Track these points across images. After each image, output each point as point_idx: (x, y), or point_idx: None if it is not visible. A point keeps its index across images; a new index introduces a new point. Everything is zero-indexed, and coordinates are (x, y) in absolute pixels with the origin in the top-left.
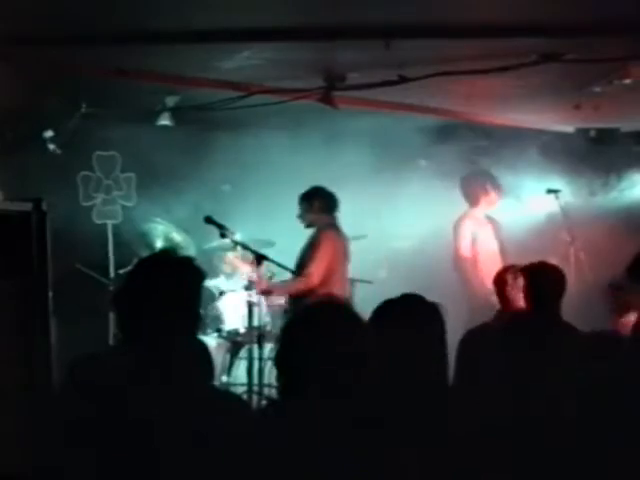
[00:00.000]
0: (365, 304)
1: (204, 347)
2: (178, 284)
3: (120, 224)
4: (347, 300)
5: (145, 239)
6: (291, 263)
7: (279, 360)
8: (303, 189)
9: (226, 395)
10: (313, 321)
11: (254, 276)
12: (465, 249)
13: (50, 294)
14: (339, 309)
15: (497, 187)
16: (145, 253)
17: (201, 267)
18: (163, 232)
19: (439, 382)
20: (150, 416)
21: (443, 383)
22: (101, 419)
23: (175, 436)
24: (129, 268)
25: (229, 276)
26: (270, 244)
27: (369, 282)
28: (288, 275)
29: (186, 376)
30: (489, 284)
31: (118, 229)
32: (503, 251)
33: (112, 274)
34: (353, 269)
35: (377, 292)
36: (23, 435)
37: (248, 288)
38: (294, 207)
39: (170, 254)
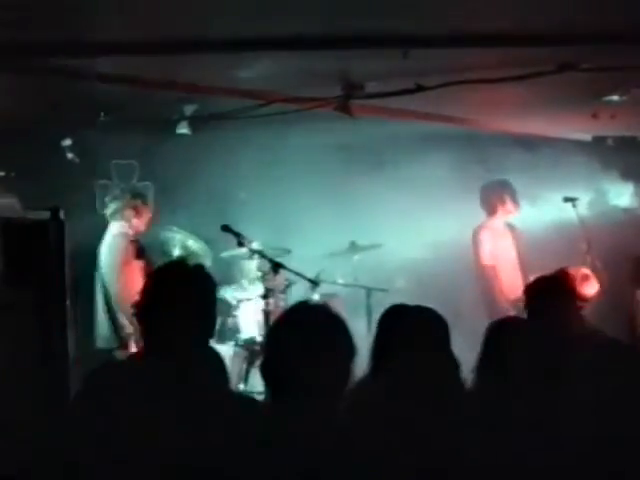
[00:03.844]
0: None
1: (216, 353)
2: (190, 291)
3: None
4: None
5: (162, 247)
6: (307, 271)
7: (263, 367)
8: (319, 198)
9: (240, 398)
10: (292, 325)
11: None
12: (486, 257)
13: (67, 303)
14: (318, 311)
15: (515, 197)
16: (162, 261)
17: (212, 274)
18: (180, 241)
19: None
20: (167, 422)
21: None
22: (117, 426)
23: (191, 440)
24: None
25: (246, 285)
26: (286, 252)
27: (384, 290)
28: (305, 283)
29: (201, 380)
30: (509, 293)
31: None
32: (522, 260)
33: None
34: (369, 277)
35: (394, 301)
36: (40, 443)
37: (265, 297)
38: (309, 215)
39: (182, 262)
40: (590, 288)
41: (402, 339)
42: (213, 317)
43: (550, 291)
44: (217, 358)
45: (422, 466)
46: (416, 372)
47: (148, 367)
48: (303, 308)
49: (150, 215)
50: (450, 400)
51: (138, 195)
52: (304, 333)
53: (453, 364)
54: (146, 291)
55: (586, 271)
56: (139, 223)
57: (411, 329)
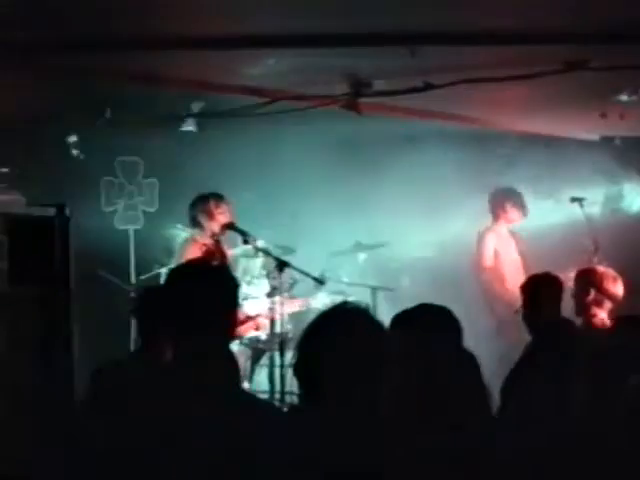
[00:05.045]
0: (388, 312)
1: (230, 354)
2: (214, 294)
3: (142, 230)
4: (367, 305)
5: (167, 245)
6: (312, 270)
7: (297, 364)
8: (325, 197)
9: (255, 399)
10: (331, 327)
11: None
12: (488, 260)
13: (73, 300)
14: (358, 314)
15: (519, 205)
16: (167, 259)
17: (235, 276)
18: (183, 237)
19: (457, 391)
20: (178, 423)
21: (461, 392)
22: (125, 427)
23: (204, 442)
24: (151, 274)
25: (251, 282)
26: (291, 251)
27: (390, 290)
28: (310, 282)
29: (214, 382)
30: (512, 295)
31: (140, 235)
32: (526, 265)
33: (133, 280)
34: (375, 277)
35: (400, 300)
36: (45, 444)
37: (270, 295)
38: (315, 214)
39: (205, 262)
40: (620, 288)
41: (417, 339)
42: (235, 319)
43: (541, 285)
44: (230, 356)
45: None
46: (435, 373)
47: (163, 369)
48: (343, 309)
49: (226, 213)
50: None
51: (212, 196)
52: (344, 335)
53: (472, 362)
54: (168, 291)
55: (612, 272)
56: (213, 225)
57: (424, 328)
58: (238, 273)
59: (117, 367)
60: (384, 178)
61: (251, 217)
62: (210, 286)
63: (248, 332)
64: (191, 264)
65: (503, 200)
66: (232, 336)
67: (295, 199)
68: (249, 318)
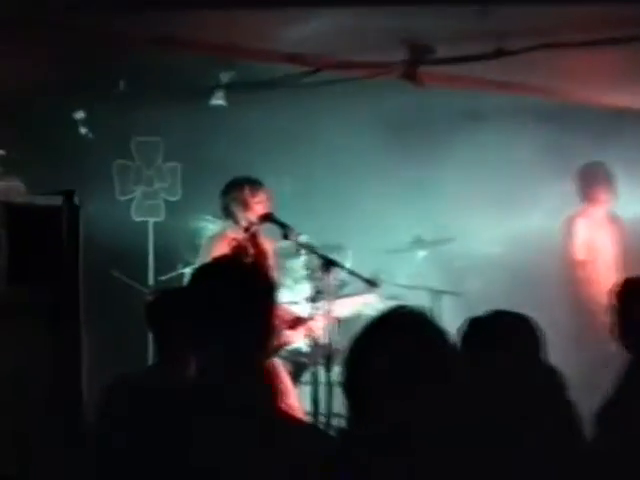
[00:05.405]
0: (453, 320)
1: (266, 368)
2: (247, 298)
3: (163, 222)
4: (428, 311)
5: (193, 240)
6: (362, 270)
7: (347, 380)
8: (378, 184)
9: (296, 423)
10: (386, 333)
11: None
12: (578, 252)
13: (82, 305)
14: (418, 321)
15: (610, 183)
16: (192, 257)
17: (272, 277)
18: (214, 230)
19: (540, 415)
20: (202, 453)
21: (545, 416)
22: (141, 454)
23: (232, 476)
24: (172, 274)
25: (291, 285)
26: (340, 248)
27: (456, 294)
28: (360, 285)
29: (246, 402)
30: (602, 297)
31: (160, 228)
32: (623, 260)
33: (152, 281)
34: (437, 278)
35: (468, 306)
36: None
37: (313, 300)
38: (366, 205)
39: (234, 260)
40: None
41: (490, 353)
42: (272, 326)
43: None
44: (269, 375)
45: None
46: (512, 393)
47: (185, 387)
48: (400, 315)
49: (264, 202)
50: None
51: (247, 182)
52: (401, 347)
53: (556, 380)
54: (190, 296)
55: None
56: (249, 216)
57: (500, 340)
58: (278, 274)
59: (132, 383)
60: (448, 162)
61: (290, 207)
62: (242, 288)
63: (297, 339)
64: (220, 262)
65: (594, 176)
66: (268, 347)
67: (342, 187)
68: (299, 321)
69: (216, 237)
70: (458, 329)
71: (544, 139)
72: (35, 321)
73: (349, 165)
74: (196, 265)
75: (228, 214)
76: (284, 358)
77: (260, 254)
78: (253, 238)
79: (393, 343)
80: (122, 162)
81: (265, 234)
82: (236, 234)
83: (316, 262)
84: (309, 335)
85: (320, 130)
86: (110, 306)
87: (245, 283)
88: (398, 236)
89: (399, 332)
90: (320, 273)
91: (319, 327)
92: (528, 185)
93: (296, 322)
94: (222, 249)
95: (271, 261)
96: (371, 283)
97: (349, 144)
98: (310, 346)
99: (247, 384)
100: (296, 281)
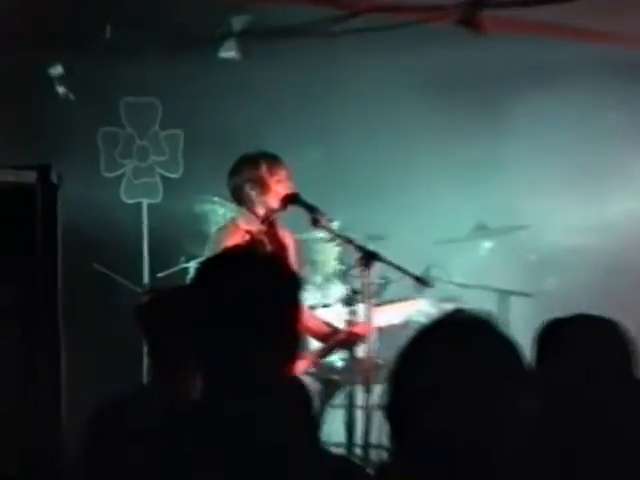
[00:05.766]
0: (524, 327)
1: (303, 389)
2: (265, 298)
3: (160, 205)
4: (492, 316)
5: (198, 228)
6: (411, 266)
7: (390, 403)
8: (430, 158)
9: (327, 456)
10: (440, 345)
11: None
12: None
13: (60, 304)
14: (480, 328)
15: None
16: (196, 248)
17: (297, 271)
18: (225, 217)
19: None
20: None
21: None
22: None
23: None
24: (172, 270)
25: (321, 284)
26: (380, 238)
27: (528, 295)
28: (408, 283)
29: (276, 434)
30: None
31: (157, 212)
32: None
33: (146, 278)
34: (504, 276)
35: (542, 310)
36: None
37: (349, 302)
38: (414, 185)
39: (248, 251)
40: None
41: (571, 367)
42: (297, 335)
43: None
44: (302, 393)
45: None
46: (597, 416)
47: (190, 410)
48: (458, 322)
49: (285, 181)
50: None
51: (264, 157)
52: (459, 360)
53: None
54: (193, 298)
55: None
56: (267, 199)
57: (582, 350)
58: (305, 270)
59: (124, 406)
60: (515, 132)
61: (318, 188)
62: (260, 287)
63: (338, 350)
64: (231, 254)
65: None
66: (293, 359)
67: (383, 162)
68: (330, 330)
69: (225, 230)
70: (531, 338)
71: (633, 103)
72: (4, 325)
73: (391, 135)
74: (202, 259)
75: (240, 199)
76: (313, 375)
77: (281, 247)
78: (272, 227)
79: (448, 357)
80: (109, 130)
81: (286, 224)
82: (250, 225)
83: (353, 255)
84: (353, 341)
85: (355, 91)
86: (95, 309)
87: (263, 280)
88: (455, 223)
89: (456, 343)
90: (358, 269)
91: (371, 331)
92: (615, 160)
93: (327, 331)
94: (238, 240)
95: (294, 255)
96: (422, 282)
97: (390, 109)
98: (345, 360)
99: (267, 408)
100: (327, 279)
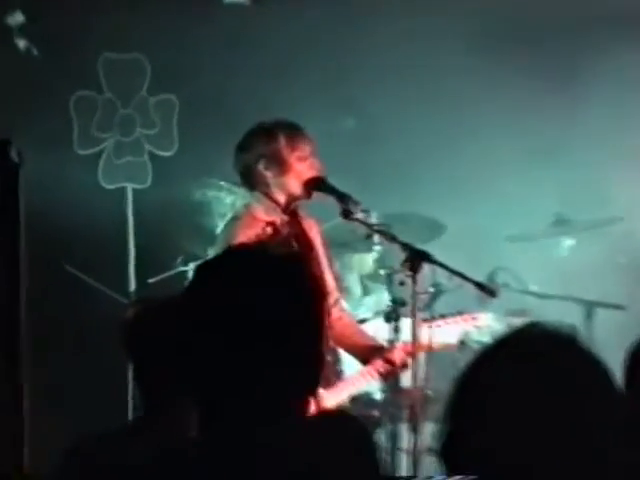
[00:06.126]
0: (616, 345)
1: (360, 430)
2: (282, 312)
3: (150, 190)
4: (576, 331)
5: (198, 220)
6: (471, 270)
7: (446, 444)
8: (492, 131)
9: None
10: (509, 369)
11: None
12: None
13: (23, 316)
14: (558, 344)
15: None
16: (199, 246)
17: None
18: (233, 207)
19: None
20: None
21: None
22: None
23: None
24: (166, 274)
25: (356, 293)
26: (435, 230)
27: (620, 308)
28: (468, 292)
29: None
30: None
31: (146, 200)
32: None
33: (133, 285)
34: (591, 283)
35: (634, 324)
36: None
37: (392, 317)
38: (475, 166)
39: (263, 249)
40: None
41: None
42: (320, 359)
43: None
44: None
45: None
46: None
47: (185, 452)
48: (534, 339)
49: (310, 159)
50: None
51: (282, 128)
52: (537, 388)
53: None
54: (190, 310)
55: None
56: (287, 182)
57: None
58: (333, 275)
59: (105, 446)
60: (603, 100)
61: (350, 169)
62: (276, 295)
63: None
64: (237, 252)
65: None
66: (314, 389)
67: (431, 136)
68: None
69: (239, 220)
70: (622, 359)
71: None
72: None
73: (439, 100)
74: (205, 260)
75: (251, 181)
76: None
77: (307, 246)
78: (294, 218)
79: (521, 384)
80: (84, 94)
81: (316, 210)
82: (270, 215)
83: (396, 256)
84: (402, 366)
85: (391, 43)
86: (67, 323)
87: (281, 286)
88: (529, 215)
89: (530, 366)
90: (404, 274)
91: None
92: None
93: (370, 346)
94: (251, 235)
95: (323, 255)
96: (486, 290)
97: (437, 66)
98: (385, 391)
99: (282, 450)
100: (364, 287)
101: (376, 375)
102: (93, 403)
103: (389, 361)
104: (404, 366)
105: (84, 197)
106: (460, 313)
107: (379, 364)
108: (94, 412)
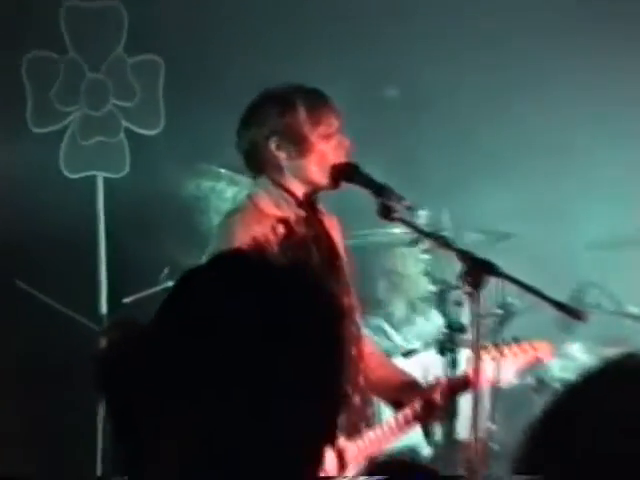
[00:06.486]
0: None
1: None
2: (286, 336)
3: (127, 180)
4: None
5: (190, 219)
6: (553, 286)
7: None
8: (571, 120)
9: None
10: (605, 408)
11: None
12: None
13: None
14: None
15: None
16: (190, 253)
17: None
18: (235, 201)
19: None
20: None
21: None
22: None
23: None
24: (149, 291)
25: (402, 315)
26: (501, 237)
27: None
28: (546, 315)
29: None
30: None
31: (122, 193)
32: None
33: (104, 306)
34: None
35: None
36: None
37: (446, 346)
38: (551, 160)
39: (264, 256)
40: None
41: None
42: (340, 396)
43: None
44: None
45: None
46: None
47: None
48: (636, 371)
49: (337, 136)
50: None
51: (301, 97)
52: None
53: None
54: (174, 332)
55: None
56: (308, 168)
57: None
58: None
59: None
60: None
61: (392, 155)
62: (287, 315)
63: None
64: (231, 260)
65: None
66: (332, 437)
67: (495, 120)
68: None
69: (240, 214)
70: None
71: None
72: None
73: (506, 76)
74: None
75: (260, 165)
76: (387, 463)
77: (328, 250)
78: (314, 216)
79: (623, 431)
80: (40, 54)
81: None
82: (281, 209)
83: (453, 268)
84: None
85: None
86: (18, 355)
87: (286, 308)
88: (615, 219)
89: (631, 405)
90: (462, 291)
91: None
92: None
93: (409, 388)
94: (256, 235)
95: (347, 265)
96: (570, 312)
97: (500, 30)
98: (436, 444)
99: None
100: (410, 308)
101: (414, 422)
102: (51, 456)
103: (430, 402)
104: (446, 409)
105: (41, 188)
106: (516, 340)
107: (417, 406)
108: (54, 468)
